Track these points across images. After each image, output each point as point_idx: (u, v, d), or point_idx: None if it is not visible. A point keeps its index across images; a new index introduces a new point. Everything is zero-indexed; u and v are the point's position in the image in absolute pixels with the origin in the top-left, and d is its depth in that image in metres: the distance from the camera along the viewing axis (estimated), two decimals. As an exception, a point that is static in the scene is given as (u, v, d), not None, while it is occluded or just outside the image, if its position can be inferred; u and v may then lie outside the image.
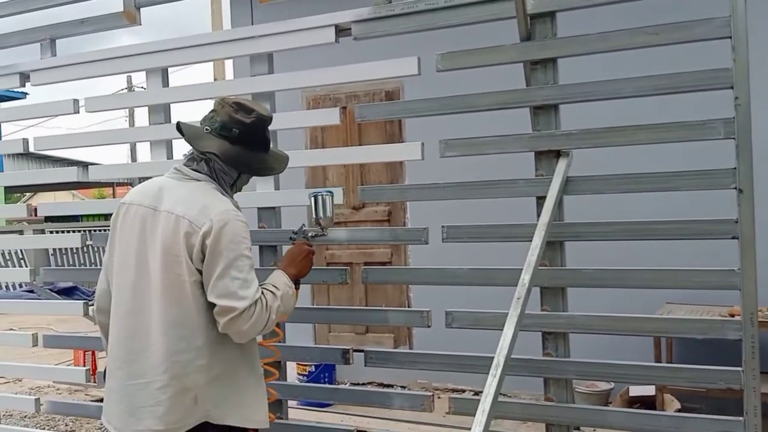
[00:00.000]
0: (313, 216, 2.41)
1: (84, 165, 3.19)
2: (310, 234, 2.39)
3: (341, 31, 2.64)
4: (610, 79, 2.27)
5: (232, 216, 1.93)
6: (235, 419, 1.98)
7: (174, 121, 3.04)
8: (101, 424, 2.15)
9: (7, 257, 14.22)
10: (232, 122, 2.01)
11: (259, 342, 2.37)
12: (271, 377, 2.58)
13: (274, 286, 2.02)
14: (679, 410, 3.94)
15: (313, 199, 2.41)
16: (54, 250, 13.32)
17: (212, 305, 1.91)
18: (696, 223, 2.19)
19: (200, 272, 1.91)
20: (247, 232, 1.96)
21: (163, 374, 1.91)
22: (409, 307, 5.25)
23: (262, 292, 1.94)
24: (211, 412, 1.95)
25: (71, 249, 13.68)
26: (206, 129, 2.04)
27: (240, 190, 2.20)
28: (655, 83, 2.21)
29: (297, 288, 2.18)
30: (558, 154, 2.37)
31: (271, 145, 2.19)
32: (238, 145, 2.02)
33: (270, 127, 2.66)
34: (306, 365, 5.11)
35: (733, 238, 2.10)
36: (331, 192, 2.45)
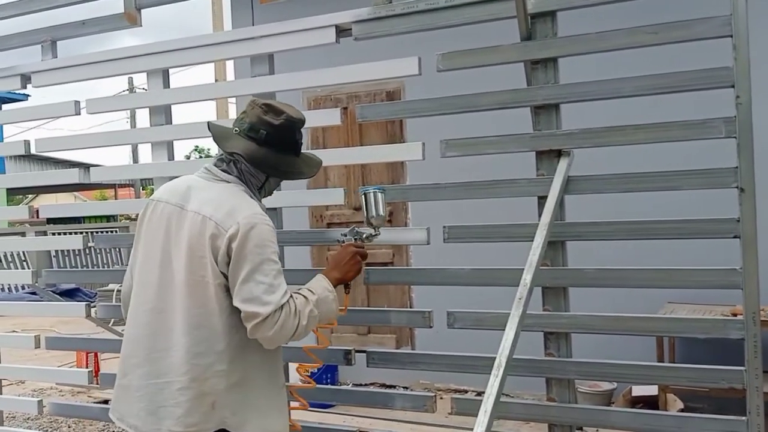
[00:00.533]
0: (365, 215, 2.30)
1: (86, 166, 3.19)
2: (364, 235, 2.29)
3: (342, 31, 2.64)
4: (611, 79, 2.27)
5: (259, 220, 1.90)
6: (253, 428, 1.95)
7: (175, 122, 3.05)
8: (104, 425, 2.15)
9: (9, 259, 14.24)
10: (261, 123, 2.00)
11: (304, 347, 2.33)
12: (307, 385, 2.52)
13: (310, 291, 1.98)
14: (682, 410, 3.94)
15: (363, 197, 2.28)
16: (56, 251, 13.33)
17: (236, 309, 1.88)
18: (697, 222, 2.19)
19: (225, 275, 1.89)
20: (274, 236, 1.93)
21: (184, 375, 1.89)
22: (411, 307, 5.25)
23: (292, 296, 1.91)
24: (229, 420, 1.92)
25: (73, 251, 13.69)
26: (235, 130, 2.03)
27: (270, 194, 2.18)
28: (656, 82, 2.21)
29: (347, 291, 2.16)
30: (559, 153, 2.37)
31: (303, 149, 2.15)
32: (265, 147, 2.00)
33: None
34: (308, 366, 5.10)
35: (735, 237, 2.10)
36: (383, 189, 2.32)
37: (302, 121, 2.10)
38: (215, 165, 2.05)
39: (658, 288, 2.36)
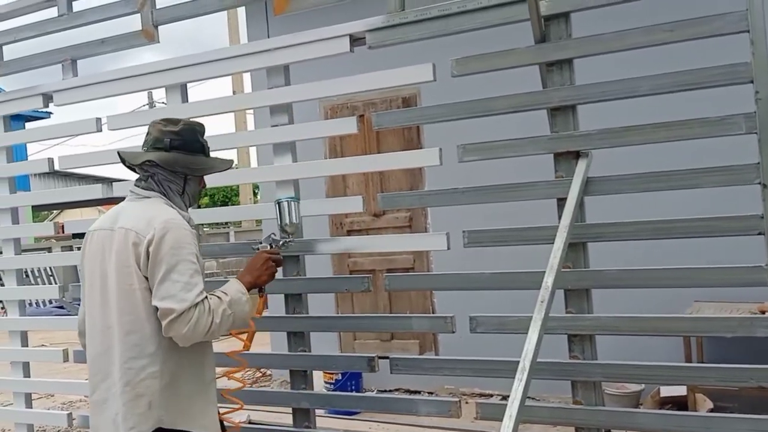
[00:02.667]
0: (279, 222, 2.47)
1: (109, 181, 3.24)
2: (280, 242, 2.44)
3: (356, 40, 2.66)
4: (627, 78, 2.26)
5: (174, 225, 2.04)
6: (184, 423, 2.06)
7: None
8: None
9: (36, 274, 14.48)
10: (163, 134, 2.18)
11: (227, 353, 2.42)
12: (237, 388, 2.61)
13: (223, 292, 2.10)
14: (711, 410, 3.87)
15: (277, 206, 2.47)
16: (82, 266, 13.47)
17: None
18: (721, 219, 2.16)
19: (147, 279, 2.02)
20: (192, 239, 2.06)
21: (120, 380, 2.03)
22: (433, 312, 5.24)
23: (207, 297, 2.02)
24: (164, 418, 2.03)
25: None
26: (144, 149, 2.22)
27: (195, 200, 2.31)
28: (673, 80, 2.19)
29: (261, 296, 2.29)
30: (577, 155, 2.36)
31: (212, 154, 2.31)
32: (173, 151, 2.17)
33: (290, 138, 2.70)
34: (332, 373, 5.12)
35: (759, 234, 2.07)
36: (294, 198, 2.50)
37: (200, 125, 2.30)
38: (135, 185, 2.22)
39: (683, 287, 2.33)
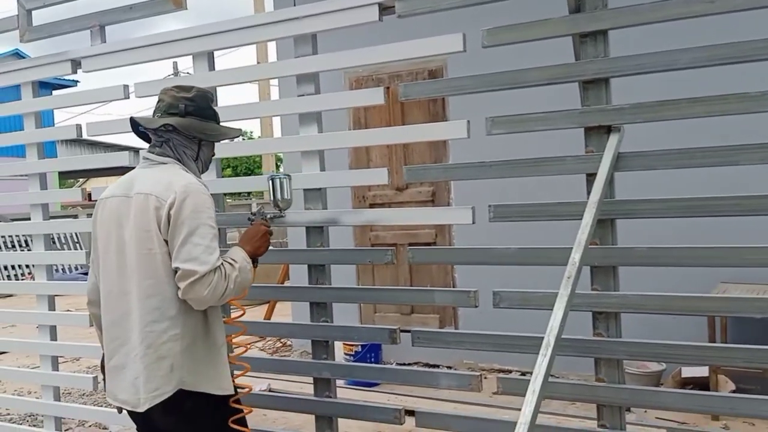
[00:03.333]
0: (271, 198, 2.53)
1: (135, 150, 3.25)
2: (269, 215, 2.50)
3: (385, 9, 2.61)
4: (665, 50, 2.19)
5: (194, 188, 2.07)
6: (207, 385, 2.09)
7: (221, 103, 3.08)
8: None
9: (63, 241, 14.73)
10: (177, 100, 2.21)
11: (225, 320, 2.43)
12: (241, 351, 2.65)
13: (233, 259, 2.12)
14: (733, 391, 3.84)
15: (270, 182, 2.53)
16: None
17: None
18: (758, 198, 2.11)
19: (167, 243, 2.04)
20: (211, 203, 2.10)
21: (141, 344, 2.04)
22: (454, 287, 5.24)
23: (222, 263, 2.04)
24: (186, 379, 2.05)
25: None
26: (157, 115, 2.23)
27: (206, 165, 2.34)
28: (714, 53, 2.12)
29: (255, 266, 2.29)
30: (609, 129, 2.31)
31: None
32: (188, 117, 2.20)
33: (316, 108, 2.69)
34: (353, 345, 5.16)
35: (796, 213, 2.02)
36: (288, 175, 2.57)
37: (211, 93, 2.35)
38: (149, 151, 2.23)
39: (712, 267, 2.29)
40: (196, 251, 1.98)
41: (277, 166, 22.69)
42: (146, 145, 2.33)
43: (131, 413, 2.15)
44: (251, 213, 2.49)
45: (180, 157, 2.21)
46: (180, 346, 2.04)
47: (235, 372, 2.37)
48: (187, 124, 2.19)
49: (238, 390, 2.27)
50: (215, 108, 2.32)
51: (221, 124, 2.34)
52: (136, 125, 2.30)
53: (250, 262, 2.20)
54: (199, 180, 2.17)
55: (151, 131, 2.24)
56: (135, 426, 2.24)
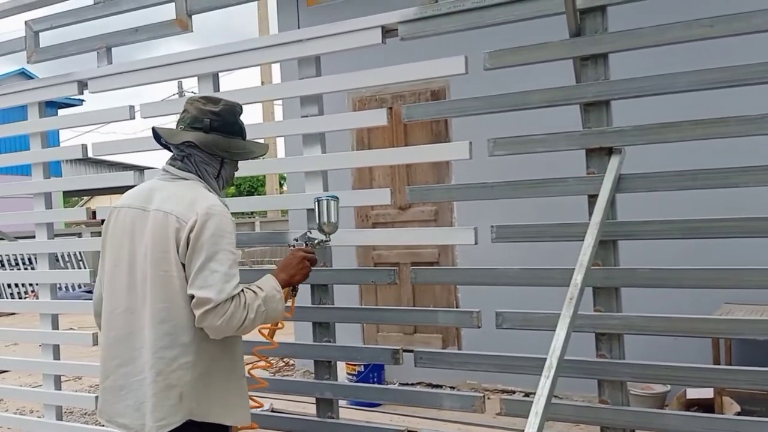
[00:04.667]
0: (317, 221, 2.36)
1: (139, 169, 3.28)
2: (315, 240, 2.36)
3: (388, 32, 2.65)
4: (664, 74, 2.22)
5: (217, 211, 1.97)
6: (216, 417, 2.01)
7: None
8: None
9: (67, 259, 14.76)
10: (203, 113, 2.10)
11: (253, 350, 2.36)
12: (256, 385, 2.55)
13: (259, 287, 2.03)
14: (738, 413, 3.81)
15: (317, 203, 2.35)
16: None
17: None
18: (758, 220, 2.11)
19: (185, 267, 1.94)
20: (233, 227, 2.00)
21: (151, 369, 1.95)
22: (457, 307, 5.23)
23: (243, 291, 1.95)
24: (195, 410, 1.96)
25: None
26: (180, 127, 2.13)
27: (229, 182, 2.25)
28: (713, 76, 2.14)
29: (294, 294, 2.22)
30: (610, 151, 2.32)
31: (248, 136, 2.25)
32: (213, 133, 2.09)
33: (320, 129, 2.69)
34: (355, 365, 5.14)
35: (798, 235, 2.02)
36: (336, 197, 2.37)
37: (240, 106, 2.22)
38: (170, 164, 2.13)
39: (715, 288, 2.29)
40: (213, 279, 1.89)
41: (281, 184, 22.78)
42: (153, 162, 2.34)
43: None
44: (295, 238, 2.36)
45: (201, 173, 2.11)
46: (191, 375, 1.94)
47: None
48: (210, 142, 2.08)
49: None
50: (242, 122, 2.21)
51: (247, 139, 2.24)
52: (158, 136, 2.19)
53: (281, 290, 2.08)
54: (221, 200, 2.07)
55: (172, 144, 2.14)
56: None
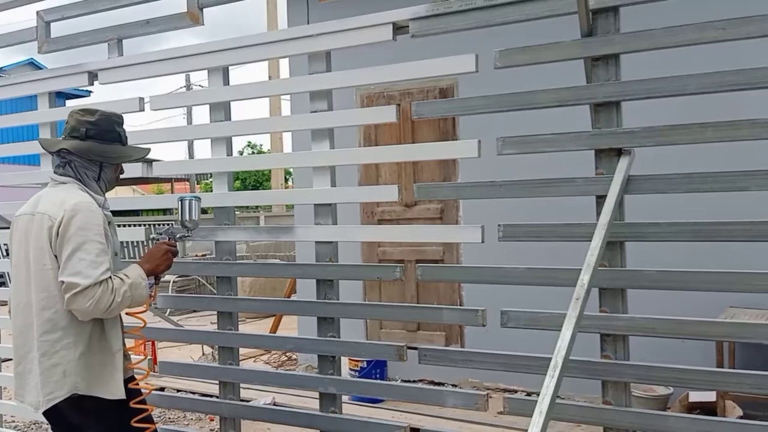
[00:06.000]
0: (179, 218, 2.62)
1: (148, 161, 3.29)
2: (177, 235, 2.60)
3: (398, 28, 2.65)
4: (675, 76, 2.21)
5: (83, 207, 2.21)
6: (97, 391, 2.24)
7: (234, 118, 3.12)
8: (161, 412, 2.27)
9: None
10: (80, 123, 2.35)
11: (126, 330, 2.54)
12: (140, 360, 2.71)
13: (125, 275, 2.26)
14: (740, 417, 3.80)
15: (180, 203, 2.63)
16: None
17: None
18: (765, 224, 2.11)
19: (57, 258, 2.18)
20: (99, 220, 2.22)
21: (37, 351, 2.22)
22: (461, 305, 5.23)
23: (110, 277, 2.17)
24: (79, 384, 2.21)
25: (132, 242, 14.12)
26: (62, 137, 2.40)
27: (111, 184, 2.46)
28: (723, 79, 2.14)
29: (157, 283, 2.44)
30: (619, 152, 2.32)
31: (130, 142, 2.48)
32: (89, 140, 2.33)
33: (329, 125, 2.71)
34: (358, 361, 5.15)
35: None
36: (198, 197, 2.67)
37: (117, 115, 2.46)
38: (54, 172, 2.39)
39: (721, 291, 2.29)
40: (80, 266, 2.12)
41: (286, 179, 22.79)
42: (169, 156, 2.46)
43: (44, 414, 2.29)
44: (159, 232, 2.58)
45: (81, 177, 2.34)
46: (73, 354, 2.20)
47: (138, 375, 2.51)
48: (85, 148, 2.32)
49: (142, 391, 2.45)
50: (122, 130, 2.43)
51: (130, 145, 2.46)
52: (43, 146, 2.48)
53: (146, 278, 2.32)
54: (96, 198, 2.31)
55: (53, 153, 2.39)
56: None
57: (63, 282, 2.14)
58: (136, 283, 2.26)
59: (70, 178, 2.34)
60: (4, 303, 4.81)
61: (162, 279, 2.55)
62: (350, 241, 2.91)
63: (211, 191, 3.22)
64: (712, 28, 2.15)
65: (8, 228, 2.47)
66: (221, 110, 3.10)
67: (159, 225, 12.03)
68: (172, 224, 2.69)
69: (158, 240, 2.54)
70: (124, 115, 2.55)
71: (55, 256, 2.19)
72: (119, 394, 2.28)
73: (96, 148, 2.34)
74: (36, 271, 2.23)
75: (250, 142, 36.37)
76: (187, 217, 2.60)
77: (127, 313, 2.47)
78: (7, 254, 2.58)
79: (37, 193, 2.41)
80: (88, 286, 2.10)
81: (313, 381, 3.01)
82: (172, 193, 20.52)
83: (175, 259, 2.49)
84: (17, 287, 2.34)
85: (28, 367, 2.28)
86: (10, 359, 2.42)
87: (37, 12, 3.58)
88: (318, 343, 2.92)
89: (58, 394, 2.20)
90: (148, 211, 21.60)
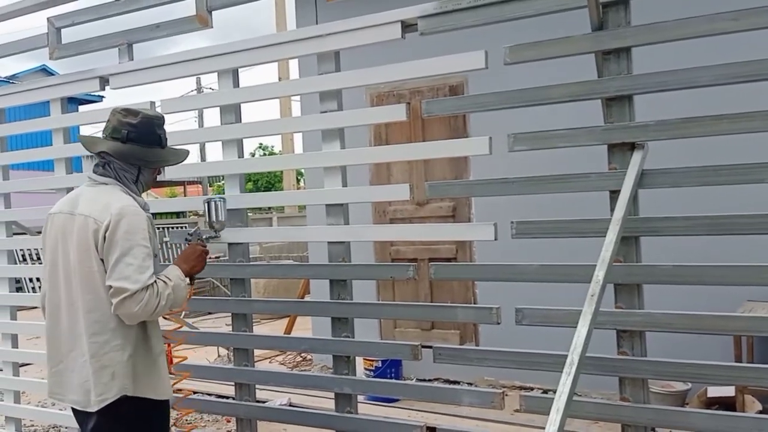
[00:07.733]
0: (207, 220, 2.64)
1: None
2: (204, 236, 2.63)
3: (407, 26, 2.64)
4: (687, 68, 2.19)
5: (129, 211, 2.21)
6: (146, 391, 2.26)
7: (244, 120, 3.13)
8: (176, 414, 2.29)
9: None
10: (121, 125, 2.32)
11: (164, 333, 2.59)
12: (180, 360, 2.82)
13: (167, 277, 2.27)
14: (760, 412, 3.76)
15: (206, 204, 2.65)
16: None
17: None
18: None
19: (104, 262, 2.18)
20: (145, 224, 2.23)
21: (87, 353, 2.22)
22: (474, 303, 5.21)
23: (155, 281, 2.19)
24: (128, 386, 2.22)
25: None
26: (102, 136, 2.37)
27: (148, 186, 2.47)
28: (737, 70, 2.11)
29: (192, 284, 2.46)
30: (632, 146, 2.30)
31: (169, 143, 2.46)
32: (129, 143, 2.32)
33: (339, 125, 2.71)
34: (373, 361, 5.15)
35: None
36: (224, 198, 2.69)
37: (159, 118, 2.43)
38: (93, 171, 2.37)
39: (738, 285, 2.26)
40: (128, 270, 2.13)
41: (298, 180, 22.84)
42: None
43: (78, 412, 2.30)
44: (188, 234, 2.59)
45: (120, 178, 2.33)
46: (122, 356, 2.20)
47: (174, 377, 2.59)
48: (126, 152, 2.31)
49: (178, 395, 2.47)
50: (162, 132, 2.40)
51: (169, 147, 2.45)
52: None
53: (186, 279, 2.35)
54: (137, 200, 2.30)
55: (93, 153, 2.39)
56: (78, 423, 2.39)
57: (111, 286, 2.14)
58: (177, 285, 2.28)
59: (110, 179, 2.33)
60: (22, 308, 4.83)
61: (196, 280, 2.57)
62: (362, 240, 2.90)
63: (224, 193, 3.22)
64: (723, 19, 2.12)
65: (24, 234, 2.48)
66: (232, 112, 3.10)
67: (172, 228, 12.07)
68: (198, 226, 2.70)
69: (190, 241, 2.56)
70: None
71: (101, 260, 2.18)
72: (167, 394, 2.32)
73: (136, 152, 2.33)
74: (82, 272, 2.21)
75: (261, 144, 36.51)
76: (214, 218, 2.62)
77: (164, 316, 2.50)
78: (24, 259, 2.59)
79: (73, 191, 2.40)
80: (137, 291, 2.11)
81: (329, 381, 3.01)
82: (184, 196, 20.62)
83: None
84: (54, 286, 2.32)
85: (70, 366, 2.27)
86: (29, 364, 2.45)
87: (48, 18, 3.60)
88: (332, 344, 2.92)
89: (108, 395, 2.20)
90: (162, 215, 21.72)
